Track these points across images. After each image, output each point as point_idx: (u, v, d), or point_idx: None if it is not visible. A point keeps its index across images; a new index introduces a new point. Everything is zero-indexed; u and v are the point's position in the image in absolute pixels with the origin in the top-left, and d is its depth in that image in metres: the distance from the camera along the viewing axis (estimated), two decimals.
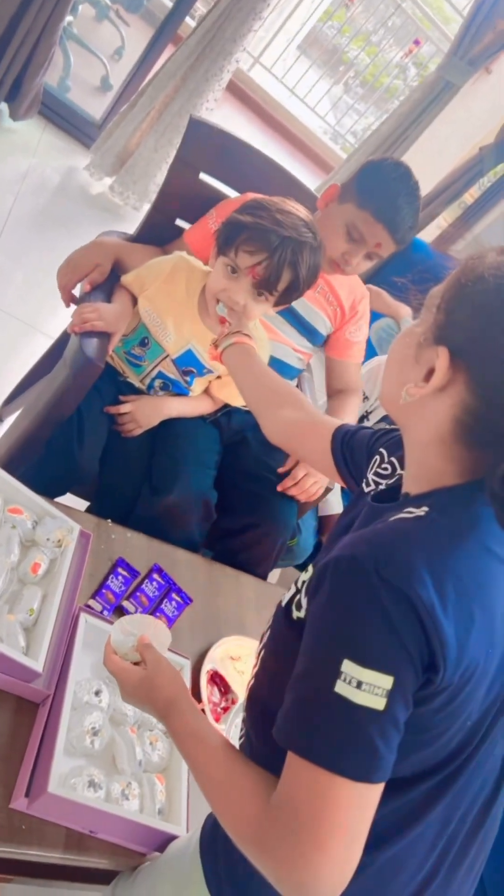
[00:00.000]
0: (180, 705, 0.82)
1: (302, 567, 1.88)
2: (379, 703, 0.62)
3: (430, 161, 3.81)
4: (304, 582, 0.80)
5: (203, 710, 1.18)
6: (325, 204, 1.52)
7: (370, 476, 0.92)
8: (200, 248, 1.53)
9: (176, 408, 1.50)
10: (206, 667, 1.25)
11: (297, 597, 0.80)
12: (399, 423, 0.83)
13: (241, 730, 0.91)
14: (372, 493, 0.89)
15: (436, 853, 0.78)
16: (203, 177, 1.66)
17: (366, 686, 0.62)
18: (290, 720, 0.67)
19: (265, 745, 0.80)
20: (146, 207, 3.23)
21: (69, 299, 1.49)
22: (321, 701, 0.64)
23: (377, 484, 0.90)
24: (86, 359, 1.29)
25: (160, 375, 1.48)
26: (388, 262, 3.12)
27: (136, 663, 0.90)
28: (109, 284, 1.48)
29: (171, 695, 0.83)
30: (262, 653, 0.88)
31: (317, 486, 1.50)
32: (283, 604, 0.84)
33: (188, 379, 1.49)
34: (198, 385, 1.52)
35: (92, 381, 1.31)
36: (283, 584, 1.74)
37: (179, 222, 1.70)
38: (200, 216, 1.68)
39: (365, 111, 6.19)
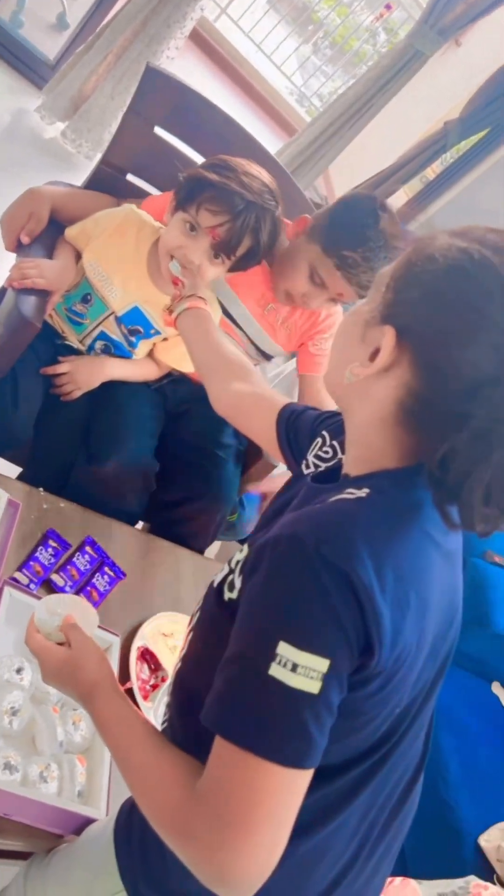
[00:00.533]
0: (104, 688, 0.79)
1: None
2: (314, 687, 0.60)
3: (394, 133, 3.75)
4: (238, 562, 0.77)
5: (131, 688, 1.15)
6: (295, 234, 1.40)
7: (310, 458, 0.90)
8: (160, 216, 1.46)
9: (118, 370, 1.44)
10: (137, 643, 1.22)
11: (231, 577, 0.77)
12: (341, 405, 0.80)
13: (165, 714, 0.88)
14: (311, 474, 0.87)
15: (357, 840, 0.78)
16: (158, 131, 1.58)
17: (301, 669, 0.60)
18: (220, 703, 0.65)
19: (189, 731, 0.78)
20: (99, 156, 3.11)
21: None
22: (254, 683, 0.62)
23: (317, 466, 0.88)
24: (21, 318, 1.21)
25: (102, 336, 1.41)
26: None
27: (60, 644, 0.86)
28: (51, 238, 1.40)
29: (95, 678, 0.80)
30: (191, 635, 0.85)
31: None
32: (216, 584, 0.81)
33: (133, 339, 1.42)
34: (142, 348, 1.45)
35: (27, 341, 1.24)
36: (223, 559, 1.71)
37: (131, 178, 1.62)
38: (153, 173, 1.60)
39: (332, 74, 6.04)
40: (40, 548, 1.20)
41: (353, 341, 0.74)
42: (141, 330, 1.41)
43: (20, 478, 1.37)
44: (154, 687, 1.21)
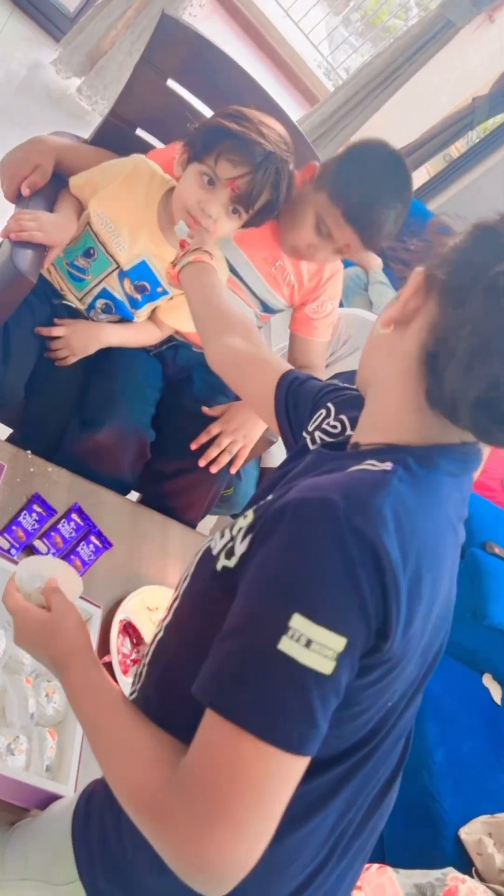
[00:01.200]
0: (80, 657, 0.74)
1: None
2: (327, 667, 0.55)
3: (420, 107, 3.63)
4: (240, 529, 0.69)
5: (110, 662, 1.11)
6: (301, 182, 1.34)
7: (316, 432, 0.84)
8: (165, 170, 1.39)
9: (116, 335, 1.38)
10: (119, 616, 1.18)
11: (231, 544, 0.69)
12: (366, 373, 0.77)
13: (134, 684, 0.81)
14: (317, 448, 0.82)
15: (332, 840, 0.73)
16: (171, 84, 1.51)
17: (315, 646, 0.55)
18: (217, 676, 0.59)
19: (165, 706, 0.72)
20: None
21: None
22: (260, 658, 0.56)
23: (322, 441, 0.83)
24: (16, 271, 1.16)
25: (104, 294, 1.35)
26: None
27: (40, 608, 0.81)
28: (52, 190, 1.34)
29: (72, 645, 0.75)
30: (176, 603, 0.80)
31: (237, 445, 1.39)
32: (213, 552, 0.73)
33: (138, 298, 1.36)
34: (145, 311, 1.40)
35: (21, 297, 1.19)
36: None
37: (141, 133, 1.55)
38: (164, 128, 1.53)
39: (359, 46, 5.88)
40: (24, 512, 1.15)
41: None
42: (147, 286, 1.35)
43: (9, 440, 1.32)
44: (135, 661, 1.17)
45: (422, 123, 3.35)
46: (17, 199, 1.32)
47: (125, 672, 1.15)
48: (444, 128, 3.20)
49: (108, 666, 1.11)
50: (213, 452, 1.38)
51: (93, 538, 1.23)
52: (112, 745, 0.66)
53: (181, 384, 1.49)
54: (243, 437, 1.42)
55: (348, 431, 0.81)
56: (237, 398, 1.47)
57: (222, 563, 0.69)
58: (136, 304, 1.36)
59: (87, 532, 1.23)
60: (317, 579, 0.56)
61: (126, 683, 1.13)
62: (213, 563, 0.71)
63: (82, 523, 1.23)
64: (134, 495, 1.49)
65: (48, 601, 0.80)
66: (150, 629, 1.22)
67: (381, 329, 0.72)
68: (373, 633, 0.57)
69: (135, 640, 1.20)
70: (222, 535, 0.73)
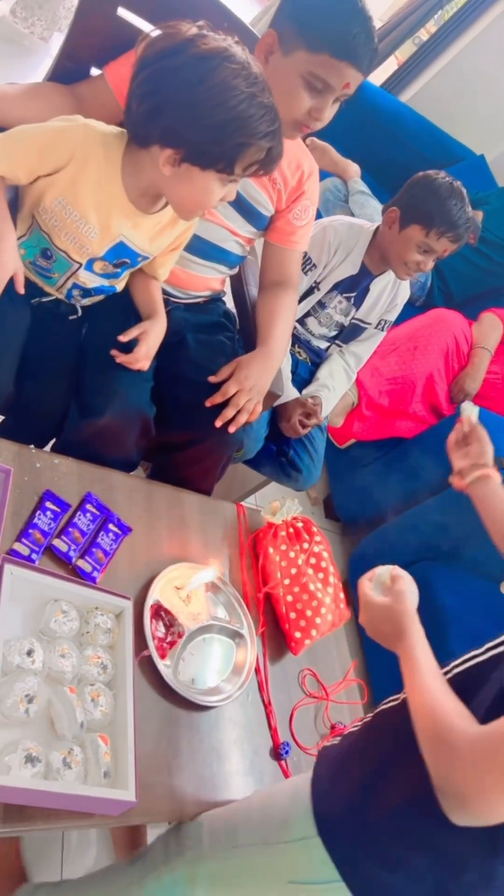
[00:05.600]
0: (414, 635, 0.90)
1: (257, 465, 1.76)
2: None
3: None
4: None
5: (149, 655, 1.11)
6: (265, 58, 1.24)
7: None
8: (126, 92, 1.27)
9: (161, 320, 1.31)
10: (150, 601, 1.17)
11: None
12: None
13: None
14: None
15: None
16: (122, 12, 1.35)
17: None
18: None
19: None
20: (57, 37, 2.75)
21: None
22: None
23: None
24: None
25: (76, 286, 1.25)
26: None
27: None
28: None
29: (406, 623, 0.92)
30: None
31: (252, 402, 1.35)
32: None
33: (118, 271, 1.26)
34: (125, 277, 1.30)
35: None
36: (229, 497, 1.64)
37: (96, 72, 1.40)
38: None
39: None
40: (38, 513, 1.11)
41: None
42: (128, 261, 1.25)
43: (3, 435, 1.25)
44: (171, 644, 1.17)
45: (389, 5, 3.08)
46: None
47: (163, 656, 1.14)
48: (412, 9, 2.95)
49: (148, 659, 1.10)
50: (230, 413, 1.33)
51: (111, 526, 1.20)
52: (434, 690, 0.80)
53: (176, 348, 1.42)
54: (257, 392, 1.37)
55: None
56: (234, 356, 1.40)
57: None
58: (115, 276, 1.26)
59: (104, 521, 1.20)
60: None
61: (165, 667, 1.13)
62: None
63: (98, 512, 1.20)
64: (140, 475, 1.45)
65: (392, 580, 0.98)
66: (180, 608, 1.22)
67: None
68: None
69: (167, 623, 1.19)
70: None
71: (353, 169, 2.87)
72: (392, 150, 3.14)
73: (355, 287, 1.79)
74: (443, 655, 0.90)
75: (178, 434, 1.38)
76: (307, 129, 1.29)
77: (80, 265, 1.21)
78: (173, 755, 1.07)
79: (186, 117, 1.02)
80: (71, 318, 1.30)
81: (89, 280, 1.24)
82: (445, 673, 0.87)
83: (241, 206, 1.41)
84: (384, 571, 1.00)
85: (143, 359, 1.24)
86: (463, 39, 3.28)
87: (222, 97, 1.01)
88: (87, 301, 1.30)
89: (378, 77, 3.39)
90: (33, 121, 1.13)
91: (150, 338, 1.25)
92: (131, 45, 1.31)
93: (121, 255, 1.22)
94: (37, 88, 1.32)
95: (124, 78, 1.26)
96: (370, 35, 1.20)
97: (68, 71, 1.37)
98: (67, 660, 0.99)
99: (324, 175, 2.87)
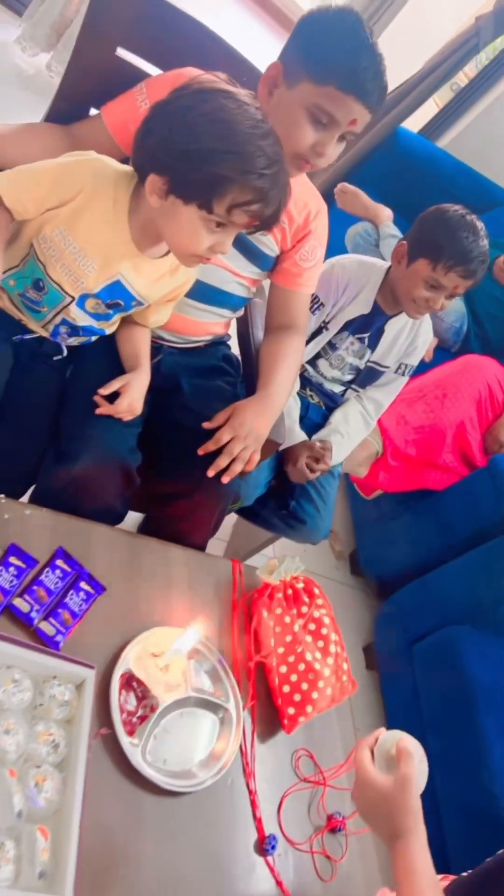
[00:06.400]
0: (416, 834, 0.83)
1: (257, 519, 1.66)
2: None
3: (419, 33, 3.33)
4: None
5: (111, 732, 0.99)
6: (269, 91, 1.19)
7: None
8: (123, 133, 1.23)
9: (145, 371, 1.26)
10: (119, 670, 1.06)
11: None
12: None
13: None
14: None
15: None
16: (122, 53, 1.32)
17: None
18: None
19: None
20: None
21: None
22: None
23: None
24: None
25: (65, 322, 1.20)
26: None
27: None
28: None
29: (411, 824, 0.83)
30: None
31: (248, 450, 1.25)
32: None
33: (109, 312, 1.21)
34: (115, 320, 1.24)
35: None
36: (239, 552, 1.53)
37: (94, 112, 1.37)
38: None
39: None
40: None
41: None
42: (121, 303, 1.19)
43: None
44: (142, 719, 1.05)
45: (422, 53, 3.05)
46: None
47: (131, 733, 1.02)
48: (448, 54, 2.91)
49: (110, 737, 0.99)
50: (223, 462, 1.24)
51: (83, 584, 1.11)
52: None
53: (170, 394, 1.34)
54: (254, 440, 1.27)
55: None
56: (233, 400, 1.32)
57: None
58: (105, 318, 1.20)
59: (75, 578, 1.11)
60: None
61: (133, 746, 1.01)
62: None
63: (69, 569, 1.11)
64: (131, 521, 1.36)
65: (398, 758, 0.88)
66: (156, 677, 1.10)
67: None
68: None
69: (139, 694, 1.07)
70: None
71: (385, 213, 2.81)
72: (429, 196, 3.03)
73: (368, 327, 1.69)
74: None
75: (167, 484, 1.29)
76: (309, 165, 1.22)
77: (73, 300, 1.16)
78: (134, 849, 0.95)
79: (169, 139, 0.98)
80: (55, 358, 1.24)
81: (79, 317, 1.19)
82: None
83: (244, 245, 1.34)
84: (389, 740, 0.89)
85: (124, 412, 1.17)
86: (502, 84, 3.22)
87: (210, 126, 0.97)
88: (73, 341, 1.24)
89: (416, 123, 3.34)
90: (29, 161, 1.10)
91: (132, 390, 1.19)
92: (130, 84, 1.29)
93: (115, 296, 1.17)
94: (32, 128, 1.31)
95: (122, 118, 1.24)
96: (379, 71, 1.13)
97: (65, 111, 1.34)
98: (12, 737, 0.88)
99: (355, 219, 2.82)
